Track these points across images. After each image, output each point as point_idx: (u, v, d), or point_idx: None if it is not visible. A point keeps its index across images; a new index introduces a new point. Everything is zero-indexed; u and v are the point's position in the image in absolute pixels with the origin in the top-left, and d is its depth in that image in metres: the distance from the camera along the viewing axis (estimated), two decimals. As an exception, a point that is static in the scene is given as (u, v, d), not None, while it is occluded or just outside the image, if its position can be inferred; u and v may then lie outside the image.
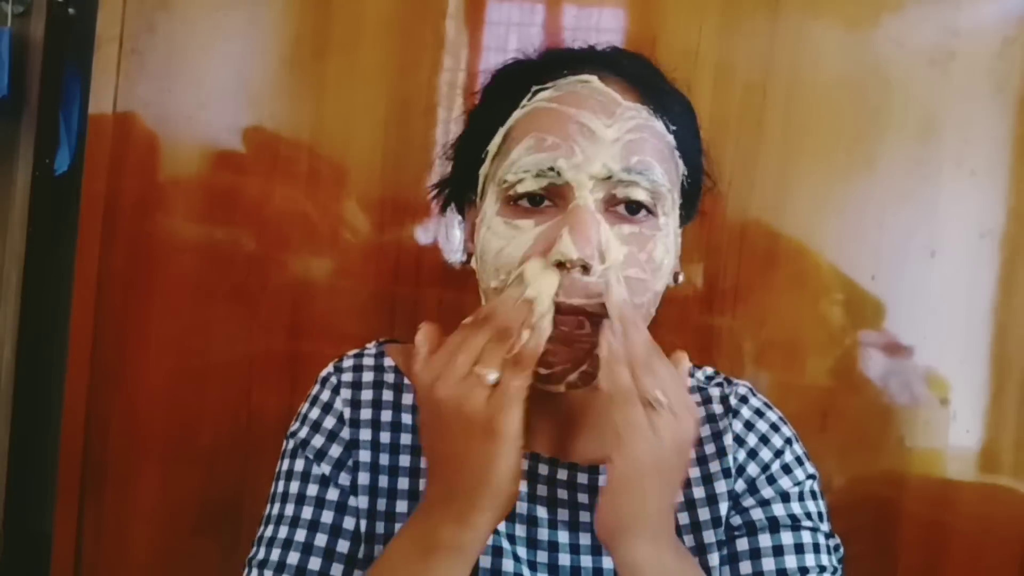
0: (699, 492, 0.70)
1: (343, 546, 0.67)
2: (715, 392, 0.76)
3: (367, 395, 0.72)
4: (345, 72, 1.04)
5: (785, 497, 0.69)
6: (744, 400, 0.75)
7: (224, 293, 1.05)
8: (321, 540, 0.66)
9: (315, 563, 0.65)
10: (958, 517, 0.99)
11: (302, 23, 1.05)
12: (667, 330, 0.93)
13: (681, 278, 0.70)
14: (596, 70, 0.64)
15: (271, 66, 1.05)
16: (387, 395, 0.73)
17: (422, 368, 0.58)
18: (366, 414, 0.71)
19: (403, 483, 0.70)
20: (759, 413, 0.75)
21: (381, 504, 0.69)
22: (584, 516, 0.67)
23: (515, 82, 0.65)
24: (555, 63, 0.66)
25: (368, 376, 0.73)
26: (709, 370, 0.81)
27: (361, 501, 0.68)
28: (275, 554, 0.66)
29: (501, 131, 0.64)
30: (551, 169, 0.60)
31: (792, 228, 1.01)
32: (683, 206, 0.68)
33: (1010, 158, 0.99)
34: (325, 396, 0.73)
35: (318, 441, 0.70)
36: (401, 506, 0.69)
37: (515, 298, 0.57)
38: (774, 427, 0.74)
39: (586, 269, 0.58)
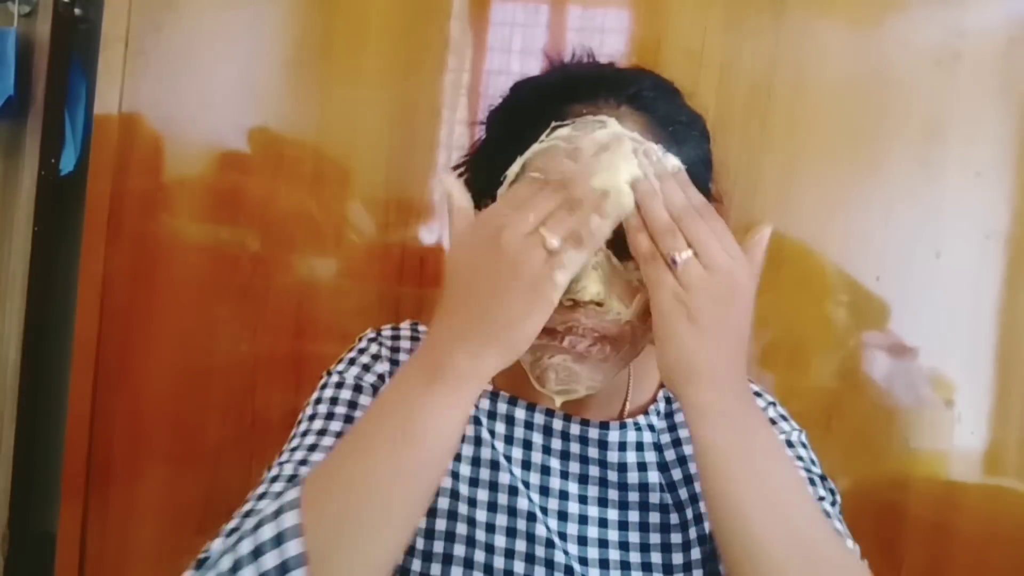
0: (687, 493, 0.69)
1: None
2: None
3: (406, 345, 0.75)
4: (350, 73, 1.04)
5: None
6: None
7: (228, 293, 1.05)
8: None
9: None
10: (962, 518, 0.99)
11: (307, 24, 1.05)
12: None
13: None
14: (616, 100, 0.64)
15: (276, 67, 1.05)
16: None
17: (490, 212, 0.58)
18: (404, 359, 0.73)
19: None
20: None
21: None
22: (593, 470, 0.69)
23: (535, 112, 0.65)
24: (576, 89, 0.65)
25: (406, 336, 0.76)
26: None
27: None
28: (298, 454, 0.64)
29: (520, 160, 0.64)
30: None
31: (797, 229, 1.00)
32: None
33: (1015, 159, 0.99)
34: (362, 344, 0.75)
35: (353, 371, 0.72)
36: None
37: (593, 172, 0.58)
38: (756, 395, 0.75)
39: (600, 304, 0.60)
